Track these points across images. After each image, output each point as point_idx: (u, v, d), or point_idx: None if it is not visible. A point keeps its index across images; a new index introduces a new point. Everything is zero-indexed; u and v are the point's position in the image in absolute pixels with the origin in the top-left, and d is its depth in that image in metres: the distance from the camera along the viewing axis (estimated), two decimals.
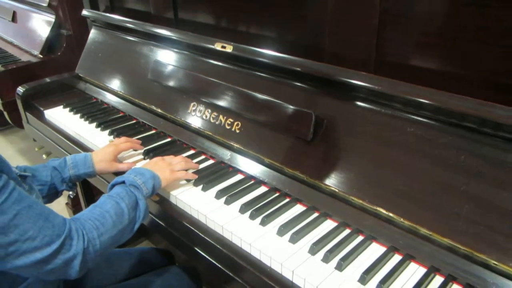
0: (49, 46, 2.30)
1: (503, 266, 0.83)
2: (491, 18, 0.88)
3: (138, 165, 1.31)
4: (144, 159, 1.36)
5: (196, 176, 1.21)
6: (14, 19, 2.61)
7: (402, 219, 0.96)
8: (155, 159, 1.22)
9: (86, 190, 2.04)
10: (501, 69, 0.90)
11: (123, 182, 1.04)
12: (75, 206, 2.24)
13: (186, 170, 1.21)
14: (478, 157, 0.89)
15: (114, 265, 1.32)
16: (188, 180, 1.21)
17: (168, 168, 1.17)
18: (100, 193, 1.23)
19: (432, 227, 0.92)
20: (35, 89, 1.84)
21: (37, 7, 2.39)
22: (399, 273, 0.91)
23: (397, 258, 0.94)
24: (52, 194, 1.20)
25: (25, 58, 2.36)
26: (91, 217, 0.92)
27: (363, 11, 1.04)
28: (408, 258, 0.94)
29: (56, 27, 2.28)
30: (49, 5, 2.24)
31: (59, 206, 2.32)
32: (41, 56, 2.30)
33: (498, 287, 0.83)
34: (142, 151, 1.38)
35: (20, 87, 1.82)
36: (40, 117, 1.75)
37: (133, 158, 1.37)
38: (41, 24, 2.36)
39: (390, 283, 0.88)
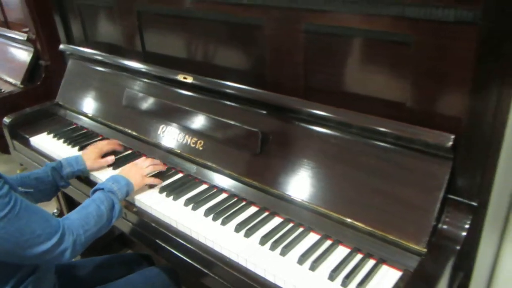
0: (29, 76, 2.50)
1: (403, 242, 1.09)
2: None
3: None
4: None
5: (161, 181, 1.47)
6: None
7: (331, 212, 1.21)
8: (129, 166, 1.49)
9: (71, 207, 2.24)
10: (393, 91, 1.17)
11: (103, 189, 1.30)
12: None
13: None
14: (385, 161, 1.16)
15: (103, 269, 1.54)
16: (157, 189, 1.46)
17: (139, 174, 1.44)
18: None
19: (354, 216, 1.17)
20: (20, 119, 2.03)
21: (17, 40, 2.58)
22: (330, 253, 1.16)
23: (328, 243, 1.19)
24: (53, 191, 1.48)
25: (6, 88, 2.55)
26: (79, 217, 1.18)
27: (292, 50, 1.30)
28: (337, 242, 1.19)
29: (34, 58, 2.48)
30: (28, 39, 2.44)
31: None
32: (22, 86, 2.49)
33: (401, 257, 1.09)
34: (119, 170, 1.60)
35: (6, 117, 2.01)
36: (26, 144, 1.95)
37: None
38: (20, 56, 2.55)
39: (321, 261, 1.13)
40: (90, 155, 1.58)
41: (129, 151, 1.74)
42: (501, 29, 0.89)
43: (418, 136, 1.07)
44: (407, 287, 0.99)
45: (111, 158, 1.63)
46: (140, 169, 1.46)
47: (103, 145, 1.66)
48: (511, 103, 0.98)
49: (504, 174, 1.17)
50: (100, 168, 1.60)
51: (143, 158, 1.55)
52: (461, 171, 1.08)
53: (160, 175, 1.53)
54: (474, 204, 1.09)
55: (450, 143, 1.03)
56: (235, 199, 1.39)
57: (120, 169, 1.54)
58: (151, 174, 1.51)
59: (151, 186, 1.48)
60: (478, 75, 0.96)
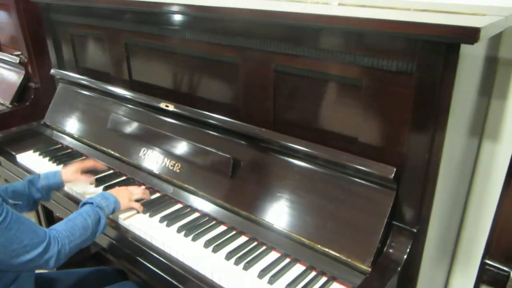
0: (18, 97, 2.61)
1: (352, 262, 1.23)
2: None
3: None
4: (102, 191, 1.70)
5: (143, 208, 1.56)
6: None
7: (292, 234, 1.34)
8: (120, 188, 1.58)
9: (50, 222, 2.33)
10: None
11: (92, 203, 1.40)
12: None
13: (141, 200, 1.58)
14: (339, 188, 1.31)
15: (79, 282, 1.63)
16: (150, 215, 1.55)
17: (128, 197, 1.54)
18: None
19: (311, 238, 1.31)
20: (8, 137, 2.14)
21: (8, 63, 2.70)
22: (287, 270, 1.29)
23: (287, 260, 1.33)
24: (31, 204, 1.56)
25: None
26: (65, 229, 1.27)
27: (263, 86, 1.46)
28: (295, 260, 1.33)
29: (25, 80, 2.59)
30: (20, 62, 2.57)
31: None
32: (10, 106, 2.60)
33: (349, 275, 1.23)
34: (102, 187, 1.72)
35: None
36: (13, 160, 2.05)
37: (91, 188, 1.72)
38: (11, 78, 2.67)
39: (279, 276, 1.26)
40: (69, 169, 1.67)
41: (111, 171, 1.86)
42: (432, 79, 1.07)
43: (366, 167, 1.23)
44: None
45: (91, 179, 1.72)
46: (130, 193, 1.56)
47: (85, 163, 1.75)
48: (443, 143, 1.14)
49: (440, 204, 1.34)
50: (77, 181, 1.68)
51: (135, 186, 1.64)
52: (403, 200, 1.24)
53: None
54: (414, 230, 1.24)
55: (392, 175, 1.18)
56: (206, 218, 1.52)
57: (112, 189, 1.62)
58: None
59: None
60: (414, 117, 1.13)
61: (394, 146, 1.22)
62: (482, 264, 1.16)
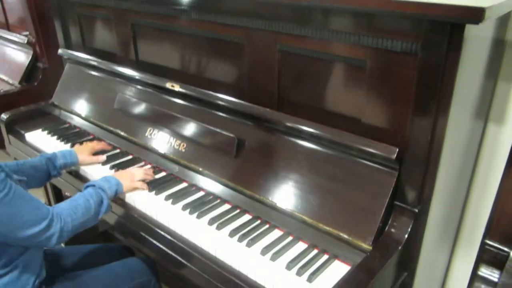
0: (27, 77, 2.64)
1: (353, 240, 1.25)
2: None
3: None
4: (109, 170, 1.74)
5: (146, 186, 1.58)
6: None
7: (295, 212, 1.37)
8: (123, 171, 1.62)
9: (59, 200, 2.37)
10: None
11: (94, 186, 1.44)
12: None
13: (144, 181, 1.60)
14: (342, 169, 1.32)
15: (86, 257, 1.68)
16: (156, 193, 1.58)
17: (130, 178, 1.56)
18: None
19: (314, 216, 1.33)
20: (17, 116, 2.17)
21: (17, 43, 2.73)
22: (289, 247, 1.31)
23: (289, 238, 1.35)
24: (45, 179, 1.63)
25: (4, 87, 2.68)
26: (68, 208, 1.31)
27: (268, 67, 1.47)
28: (297, 239, 1.35)
29: (33, 61, 2.63)
30: (28, 42, 2.59)
31: None
32: (19, 86, 2.63)
33: (350, 254, 1.25)
34: (109, 166, 1.75)
35: (3, 114, 2.15)
36: (22, 139, 2.08)
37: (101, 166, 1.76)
38: (20, 58, 2.70)
39: (281, 254, 1.28)
40: (82, 151, 1.75)
41: (117, 150, 1.89)
42: (436, 60, 1.07)
43: (368, 147, 1.24)
44: (350, 278, 1.14)
45: (102, 158, 1.78)
46: (132, 175, 1.59)
47: (94, 144, 1.84)
48: (446, 125, 1.15)
49: (443, 186, 1.35)
50: (91, 163, 1.75)
51: (136, 167, 1.69)
52: (406, 181, 1.25)
53: None
54: (416, 210, 1.26)
55: (394, 155, 1.19)
56: (211, 196, 1.55)
57: (116, 172, 1.67)
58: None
59: None
60: (418, 98, 1.13)
61: (397, 127, 1.23)
62: (482, 244, 1.17)
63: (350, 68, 1.28)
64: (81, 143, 1.91)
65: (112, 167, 1.74)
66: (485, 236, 1.17)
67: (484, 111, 1.60)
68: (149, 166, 1.76)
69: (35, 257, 1.35)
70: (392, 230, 1.27)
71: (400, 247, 1.24)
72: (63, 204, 1.34)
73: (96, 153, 1.81)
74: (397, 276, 1.34)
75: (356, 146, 1.27)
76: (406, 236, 1.25)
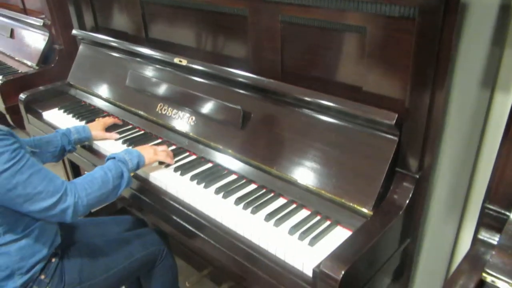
0: (44, 58, 2.71)
1: (355, 206, 1.27)
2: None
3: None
4: (122, 144, 1.80)
5: (173, 162, 1.62)
6: (12, 35, 3.01)
7: (299, 181, 1.40)
8: (145, 145, 1.63)
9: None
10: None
11: (114, 158, 1.45)
12: None
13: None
14: (344, 136, 1.34)
15: (101, 227, 1.75)
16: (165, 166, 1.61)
17: (152, 151, 1.57)
18: None
19: (317, 184, 1.36)
20: (35, 95, 2.25)
21: (33, 26, 2.80)
22: (293, 214, 1.35)
23: (293, 206, 1.38)
24: (61, 154, 1.68)
25: (22, 69, 2.77)
26: (83, 181, 1.33)
27: (271, 38, 1.49)
28: (301, 206, 1.38)
29: (49, 42, 2.69)
30: (44, 24, 2.65)
31: None
32: (37, 68, 2.71)
33: (352, 219, 1.27)
34: (121, 141, 1.81)
35: (22, 94, 2.23)
36: (39, 117, 2.16)
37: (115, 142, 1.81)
38: (36, 40, 2.77)
39: (285, 220, 1.32)
40: (95, 127, 1.81)
41: (130, 126, 1.94)
42: (433, 24, 1.07)
43: (368, 113, 1.25)
44: (348, 241, 1.16)
45: (114, 135, 1.83)
46: (155, 149, 1.58)
47: (106, 120, 1.90)
48: (446, 91, 1.15)
49: (449, 153, 1.35)
50: (103, 138, 1.81)
51: (159, 146, 1.65)
52: (406, 147, 1.26)
53: None
54: (417, 176, 1.27)
55: (394, 121, 1.20)
56: (219, 168, 1.59)
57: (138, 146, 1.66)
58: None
59: None
60: (416, 63, 1.14)
61: (397, 93, 1.24)
62: (483, 208, 1.18)
63: (350, 35, 1.29)
64: (94, 120, 1.98)
65: (124, 142, 1.80)
66: (485, 200, 1.18)
67: (491, 79, 1.59)
68: (159, 140, 1.80)
69: (50, 225, 1.40)
70: (394, 196, 1.28)
71: (401, 213, 1.26)
72: (78, 179, 1.35)
73: (109, 129, 1.87)
74: (400, 242, 1.37)
75: (356, 113, 1.28)
76: (407, 201, 1.27)
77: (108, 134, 1.82)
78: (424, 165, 1.27)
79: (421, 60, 1.13)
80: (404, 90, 1.22)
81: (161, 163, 1.62)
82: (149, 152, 1.55)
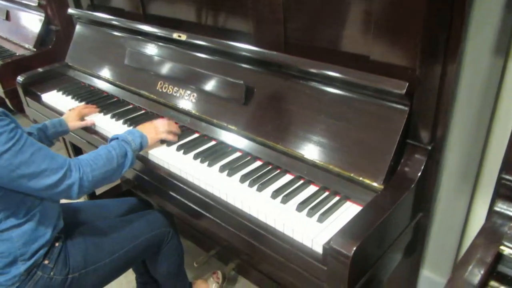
0: (41, 40, 2.65)
1: (365, 180, 1.23)
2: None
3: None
4: (122, 125, 1.76)
5: (176, 139, 1.58)
6: (8, 17, 2.94)
7: (305, 156, 1.35)
8: (146, 123, 1.58)
9: None
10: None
11: (117, 138, 1.42)
12: None
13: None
14: (352, 108, 1.28)
15: (105, 210, 1.72)
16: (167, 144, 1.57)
17: (154, 130, 1.53)
18: None
19: (324, 159, 1.31)
20: (33, 77, 2.20)
21: (28, 6, 2.72)
22: (301, 191, 1.30)
23: (300, 182, 1.34)
24: None
25: (20, 51, 2.71)
26: (88, 158, 1.31)
27: (273, 9, 1.42)
28: (308, 182, 1.34)
29: (46, 23, 2.62)
30: (39, 4, 2.58)
31: None
32: (34, 50, 2.64)
33: (362, 194, 1.23)
34: (122, 121, 1.76)
35: (19, 76, 2.18)
36: (38, 100, 2.12)
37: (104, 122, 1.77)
38: (32, 22, 2.70)
39: (292, 197, 1.28)
40: (71, 118, 1.74)
41: (131, 106, 1.90)
42: None
43: (377, 83, 1.19)
44: (359, 216, 1.12)
45: (90, 121, 1.78)
46: (156, 126, 1.55)
47: (80, 109, 1.82)
48: (459, 59, 1.09)
49: (461, 124, 1.30)
50: (80, 127, 1.77)
51: (159, 120, 1.62)
52: (417, 118, 1.21)
53: None
54: (429, 148, 1.22)
55: (404, 90, 1.14)
56: (222, 145, 1.54)
57: (138, 125, 1.61)
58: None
59: None
60: (426, 29, 1.07)
61: (407, 61, 1.18)
62: (499, 179, 1.13)
63: (356, 1, 1.22)
64: (92, 102, 1.93)
65: (125, 122, 1.75)
66: (502, 170, 1.12)
67: (505, 45, 1.51)
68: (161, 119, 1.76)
69: (52, 208, 1.37)
70: (405, 168, 1.24)
71: (412, 186, 1.21)
72: (83, 156, 1.33)
73: (108, 109, 1.82)
74: (412, 217, 1.33)
75: (364, 83, 1.22)
76: (419, 174, 1.22)
77: (83, 123, 1.77)
78: (437, 136, 1.22)
79: (433, 24, 1.06)
80: (414, 58, 1.15)
81: (163, 141, 1.57)
82: (151, 131, 1.52)
